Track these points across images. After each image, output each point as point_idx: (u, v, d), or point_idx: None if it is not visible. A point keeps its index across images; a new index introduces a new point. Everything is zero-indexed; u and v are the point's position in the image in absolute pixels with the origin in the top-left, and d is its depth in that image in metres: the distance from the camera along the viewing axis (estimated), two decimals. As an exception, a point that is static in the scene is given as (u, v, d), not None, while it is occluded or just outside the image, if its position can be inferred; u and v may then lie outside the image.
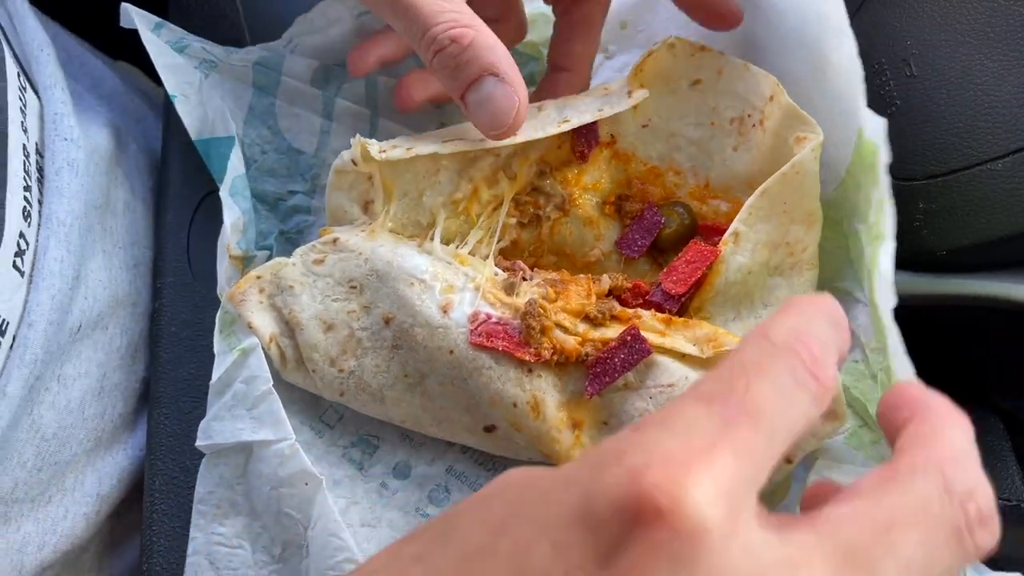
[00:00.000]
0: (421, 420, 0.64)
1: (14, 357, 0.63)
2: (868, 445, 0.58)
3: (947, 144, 0.61)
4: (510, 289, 0.61)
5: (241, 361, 0.64)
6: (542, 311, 0.59)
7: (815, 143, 0.60)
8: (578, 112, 0.66)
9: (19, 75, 0.68)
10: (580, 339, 0.58)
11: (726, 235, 0.62)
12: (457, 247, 0.66)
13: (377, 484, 0.65)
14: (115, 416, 0.74)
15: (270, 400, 0.62)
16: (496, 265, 0.65)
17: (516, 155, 0.68)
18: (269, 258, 0.71)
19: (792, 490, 0.61)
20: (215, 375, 0.63)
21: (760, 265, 0.62)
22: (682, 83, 0.68)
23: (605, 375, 0.58)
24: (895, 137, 0.60)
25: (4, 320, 0.62)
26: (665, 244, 0.67)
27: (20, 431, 0.64)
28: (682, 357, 0.58)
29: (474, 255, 0.66)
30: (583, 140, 0.69)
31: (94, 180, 0.73)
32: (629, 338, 0.58)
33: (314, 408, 0.67)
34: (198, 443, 0.62)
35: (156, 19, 0.76)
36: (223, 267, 0.67)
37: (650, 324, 0.59)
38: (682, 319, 0.59)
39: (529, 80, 0.77)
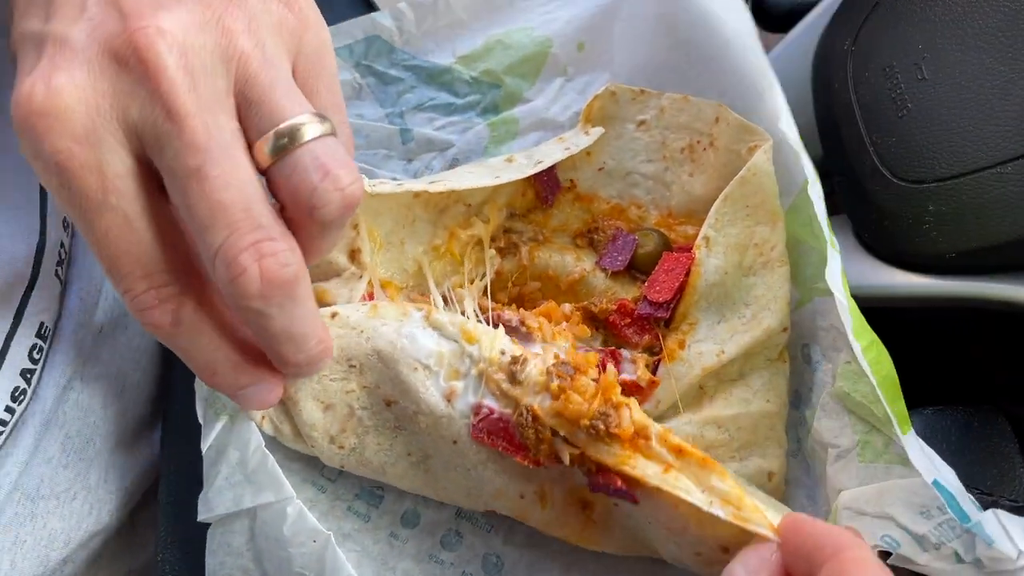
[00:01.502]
0: (424, 493, 0.64)
1: (48, 361, 0.65)
2: (883, 451, 0.57)
3: (957, 147, 0.61)
4: (513, 378, 0.58)
5: (230, 426, 0.63)
6: (536, 418, 0.56)
7: (766, 146, 0.63)
8: (547, 155, 0.68)
9: None
10: (578, 452, 0.55)
11: (698, 240, 0.64)
12: (461, 311, 0.65)
13: (386, 534, 0.65)
14: (136, 415, 0.76)
15: (266, 462, 0.61)
16: (491, 305, 0.65)
17: (486, 202, 0.70)
18: None
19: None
20: (205, 443, 0.63)
21: (734, 266, 0.63)
22: (628, 126, 0.71)
23: (602, 490, 0.57)
24: (906, 140, 0.63)
25: (47, 327, 0.64)
26: (644, 264, 0.68)
27: (47, 428, 0.67)
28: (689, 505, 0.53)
29: (463, 291, 0.67)
30: (545, 187, 0.71)
31: None
32: (610, 486, 0.55)
33: (314, 464, 0.67)
34: (201, 517, 0.62)
35: None
36: None
37: (656, 451, 0.54)
38: (700, 454, 0.53)
39: (492, 108, 0.78)
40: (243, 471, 0.61)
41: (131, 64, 0.42)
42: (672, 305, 0.64)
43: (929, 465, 0.53)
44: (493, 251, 0.69)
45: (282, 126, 0.44)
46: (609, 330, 0.65)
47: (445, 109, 0.77)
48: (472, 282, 0.68)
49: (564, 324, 0.64)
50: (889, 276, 0.64)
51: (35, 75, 0.42)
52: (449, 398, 0.58)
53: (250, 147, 0.44)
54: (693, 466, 0.52)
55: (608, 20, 0.75)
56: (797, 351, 0.64)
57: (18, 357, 0.61)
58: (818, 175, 0.61)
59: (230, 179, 0.42)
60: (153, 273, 0.45)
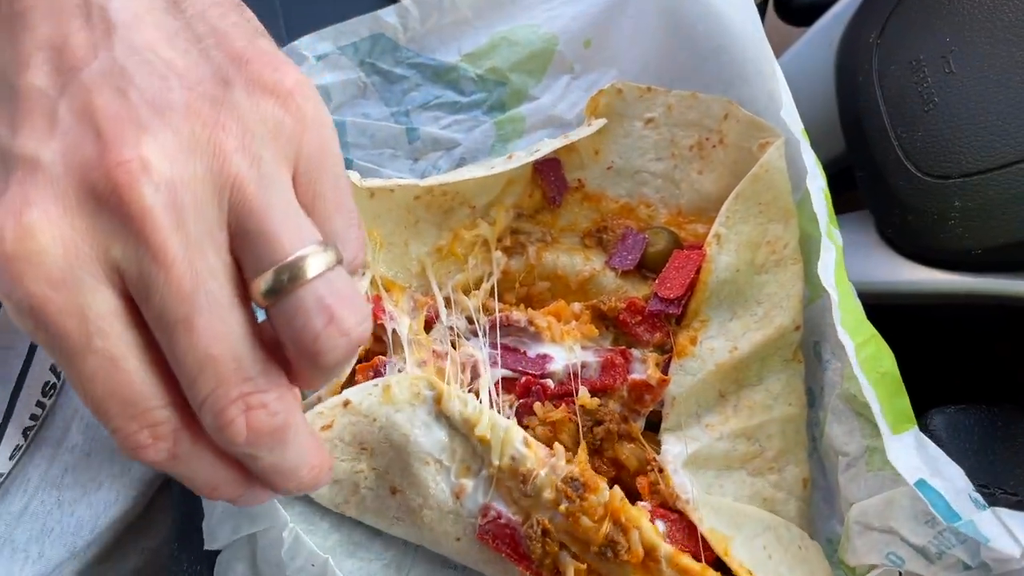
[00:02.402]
0: None
1: None
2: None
3: (984, 142, 0.60)
4: (529, 491, 0.57)
5: None
6: (547, 532, 0.56)
7: (778, 143, 0.62)
8: (546, 145, 0.68)
9: None
10: (584, 567, 0.56)
11: (709, 237, 0.63)
12: (466, 316, 0.65)
13: (400, 542, 0.64)
14: None
15: None
16: (498, 306, 0.65)
17: (493, 204, 0.70)
18: None
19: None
20: None
21: (746, 264, 0.63)
22: (636, 124, 0.70)
23: None
24: (932, 134, 0.61)
25: None
26: (654, 263, 0.67)
27: (73, 419, 0.68)
28: None
29: (467, 298, 0.66)
30: (553, 187, 0.70)
31: None
32: None
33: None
34: (207, 546, 0.63)
35: None
36: None
37: (667, 575, 0.54)
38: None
39: (499, 106, 0.77)
40: None
41: (112, 204, 0.38)
42: (683, 301, 0.63)
43: (918, 465, 0.51)
44: (499, 252, 0.68)
45: (282, 264, 0.40)
46: (619, 328, 0.64)
47: (451, 107, 0.76)
48: (479, 285, 0.67)
49: (573, 323, 0.64)
50: (913, 273, 0.63)
51: (4, 207, 0.38)
52: (458, 495, 0.58)
53: (247, 281, 0.41)
54: None
55: (614, 16, 0.73)
56: (809, 349, 0.64)
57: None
58: (841, 169, 0.59)
59: (218, 330, 0.39)
60: (145, 411, 0.41)
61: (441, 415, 0.59)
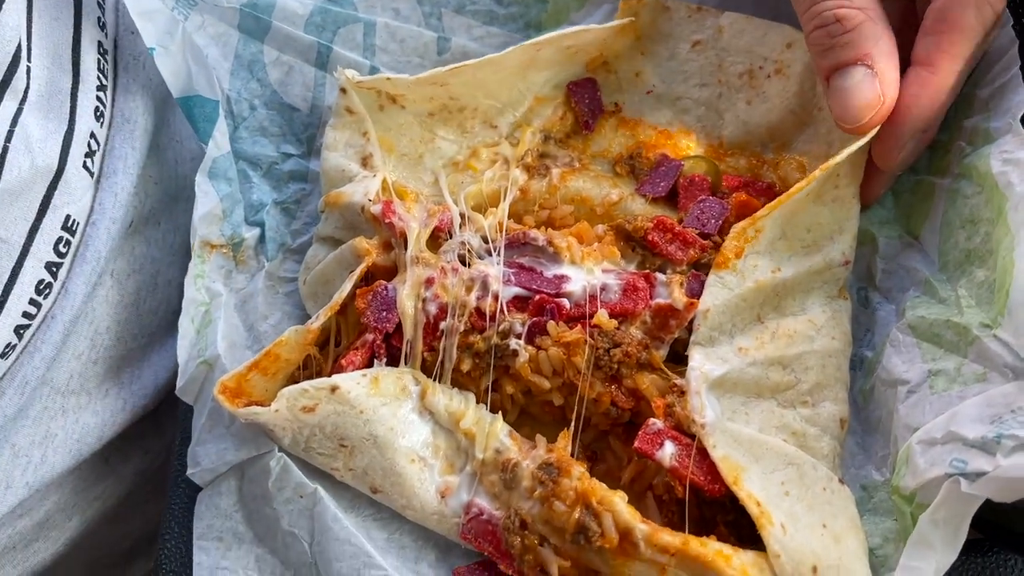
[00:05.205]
0: None
1: (78, 256, 0.64)
2: (956, 377, 0.51)
3: None
4: (510, 481, 0.54)
5: (208, 374, 0.60)
6: (524, 524, 0.53)
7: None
8: (554, 33, 0.64)
9: None
10: (568, 564, 0.52)
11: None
12: (480, 234, 0.60)
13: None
14: (169, 312, 0.74)
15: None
16: (509, 224, 0.60)
17: (519, 125, 0.66)
18: (261, 236, 0.67)
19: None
20: (181, 379, 0.60)
21: (814, 193, 0.57)
22: (682, 46, 0.65)
23: None
24: None
25: (75, 221, 0.63)
26: None
27: (76, 324, 0.65)
28: None
29: (486, 216, 0.61)
30: (587, 109, 0.66)
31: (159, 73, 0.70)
32: None
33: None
34: (189, 472, 0.60)
35: None
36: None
37: (647, 555, 0.49)
38: (694, 551, 0.49)
39: (535, 25, 0.71)
40: (223, 423, 0.59)
41: None
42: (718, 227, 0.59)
43: None
44: (519, 169, 0.64)
45: None
46: (648, 250, 0.59)
47: (485, 16, 0.70)
48: (495, 203, 0.63)
49: (596, 245, 0.59)
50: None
51: None
52: (444, 494, 0.55)
53: None
54: (689, 562, 0.49)
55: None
56: (852, 293, 0.59)
57: (43, 249, 0.60)
58: None
59: None
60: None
61: (425, 410, 0.57)
